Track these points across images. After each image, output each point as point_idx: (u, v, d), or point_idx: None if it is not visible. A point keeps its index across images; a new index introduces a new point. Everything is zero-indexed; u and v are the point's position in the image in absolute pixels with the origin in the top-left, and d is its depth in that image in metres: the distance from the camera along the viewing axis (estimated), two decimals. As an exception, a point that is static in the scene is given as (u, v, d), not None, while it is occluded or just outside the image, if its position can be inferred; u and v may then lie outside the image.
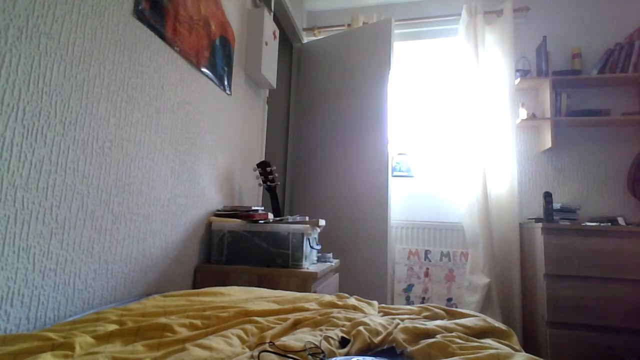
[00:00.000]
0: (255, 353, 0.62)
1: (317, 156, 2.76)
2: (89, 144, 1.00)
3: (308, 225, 1.50)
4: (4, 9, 0.78)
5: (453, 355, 0.64)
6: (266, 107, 2.29)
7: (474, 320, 0.83)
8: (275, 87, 2.20)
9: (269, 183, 1.80)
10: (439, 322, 0.82)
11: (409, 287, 2.77)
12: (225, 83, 1.73)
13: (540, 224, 2.19)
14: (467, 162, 2.61)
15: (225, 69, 1.73)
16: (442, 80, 3.14)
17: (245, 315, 0.86)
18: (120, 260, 1.12)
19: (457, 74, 2.75)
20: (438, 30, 2.99)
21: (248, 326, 0.78)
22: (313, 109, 2.86)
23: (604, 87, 2.62)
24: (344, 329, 0.78)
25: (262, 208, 1.76)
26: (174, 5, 1.33)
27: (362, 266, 2.44)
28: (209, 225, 1.59)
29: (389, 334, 0.75)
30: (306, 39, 3.14)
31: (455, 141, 2.81)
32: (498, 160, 2.59)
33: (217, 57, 1.65)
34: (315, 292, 1.38)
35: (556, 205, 2.43)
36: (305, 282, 1.38)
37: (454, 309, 0.97)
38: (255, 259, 1.49)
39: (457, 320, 0.83)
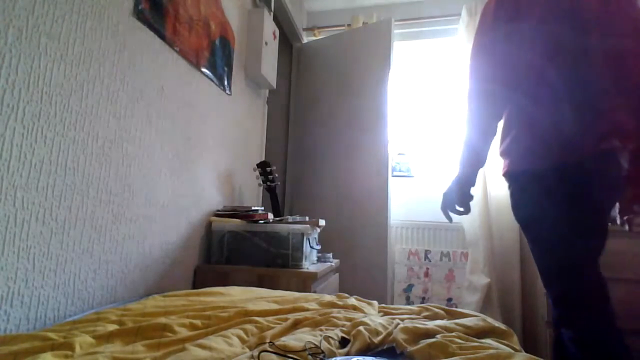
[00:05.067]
0: (255, 353, 0.62)
1: (317, 156, 2.76)
2: (89, 144, 1.00)
3: (308, 225, 1.50)
4: (4, 9, 0.78)
5: (453, 355, 0.64)
6: (266, 107, 2.29)
7: (474, 320, 0.83)
8: (275, 87, 2.19)
9: (269, 183, 1.80)
10: (439, 322, 0.82)
11: (409, 287, 2.77)
12: (225, 83, 1.73)
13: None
14: (467, 162, 2.61)
15: (225, 69, 1.73)
16: (442, 80, 3.14)
17: (245, 315, 0.86)
18: (120, 260, 1.12)
19: (457, 73, 2.74)
20: (438, 30, 2.98)
21: (248, 326, 0.78)
22: (313, 109, 2.86)
23: (604, 87, 2.62)
24: (344, 329, 0.78)
25: (262, 208, 1.76)
26: (174, 6, 1.33)
27: (362, 266, 2.44)
28: (209, 225, 1.59)
29: (389, 334, 0.75)
30: (306, 39, 3.13)
31: (455, 141, 2.81)
32: (498, 160, 2.59)
33: (217, 57, 1.65)
34: (315, 292, 1.38)
35: None
36: (305, 282, 1.38)
37: (454, 309, 0.97)
38: (255, 259, 1.49)
39: (457, 320, 0.83)
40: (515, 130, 1.12)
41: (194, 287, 1.49)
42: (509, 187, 1.16)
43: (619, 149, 1.01)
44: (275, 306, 0.96)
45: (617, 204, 1.15)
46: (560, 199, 1.01)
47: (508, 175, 1.16)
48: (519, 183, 1.12)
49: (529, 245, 1.17)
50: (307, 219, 1.64)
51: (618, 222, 1.19)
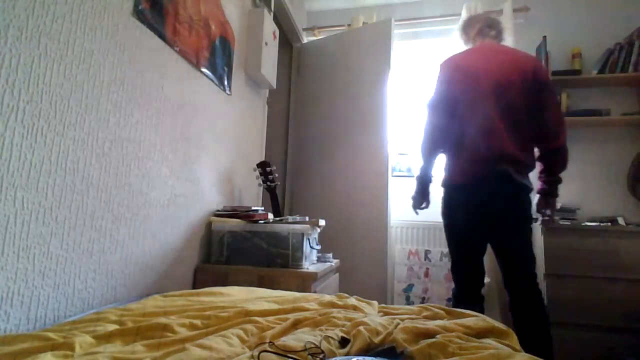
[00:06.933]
0: (255, 353, 0.62)
1: (317, 156, 2.76)
2: (89, 144, 1.00)
3: (308, 225, 1.50)
4: (4, 9, 0.78)
5: (453, 355, 0.64)
6: (266, 107, 2.29)
7: (474, 320, 0.83)
8: (275, 87, 2.19)
9: (268, 183, 1.80)
10: (439, 322, 0.82)
11: (409, 287, 2.77)
12: (225, 83, 1.73)
13: (540, 224, 2.19)
14: (467, 162, 2.61)
15: (225, 69, 1.73)
16: (442, 80, 3.13)
17: (245, 315, 0.86)
18: (120, 260, 1.12)
19: (457, 74, 2.74)
20: (438, 30, 2.98)
21: (248, 326, 0.78)
22: (313, 109, 2.86)
23: (604, 87, 2.62)
24: (344, 329, 0.78)
25: (262, 208, 1.76)
26: (174, 6, 1.33)
27: (362, 266, 2.44)
28: (209, 225, 1.59)
29: (389, 333, 0.75)
30: (306, 39, 3.13)
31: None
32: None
33: (217, 57, 1.65)
34: (315, 292, 1.38)
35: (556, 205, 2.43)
36: (305, 282, 1.38)
37: (454, 309, 0.96)
38: (255, 259, 1.49)
39: (457, 320, 0.83)
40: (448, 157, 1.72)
41: (194, 287, 1.49)
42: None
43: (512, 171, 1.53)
44: (275, 306, 0.96)
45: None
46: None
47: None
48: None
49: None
50: (307, 219, 1.64)
51: (539, 222, 1.78)
